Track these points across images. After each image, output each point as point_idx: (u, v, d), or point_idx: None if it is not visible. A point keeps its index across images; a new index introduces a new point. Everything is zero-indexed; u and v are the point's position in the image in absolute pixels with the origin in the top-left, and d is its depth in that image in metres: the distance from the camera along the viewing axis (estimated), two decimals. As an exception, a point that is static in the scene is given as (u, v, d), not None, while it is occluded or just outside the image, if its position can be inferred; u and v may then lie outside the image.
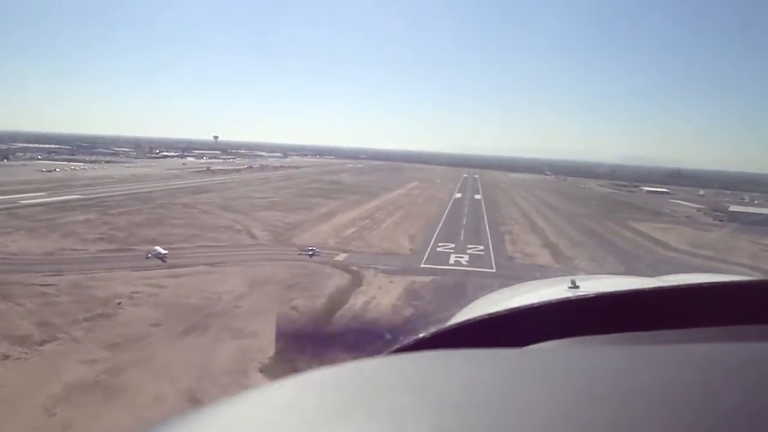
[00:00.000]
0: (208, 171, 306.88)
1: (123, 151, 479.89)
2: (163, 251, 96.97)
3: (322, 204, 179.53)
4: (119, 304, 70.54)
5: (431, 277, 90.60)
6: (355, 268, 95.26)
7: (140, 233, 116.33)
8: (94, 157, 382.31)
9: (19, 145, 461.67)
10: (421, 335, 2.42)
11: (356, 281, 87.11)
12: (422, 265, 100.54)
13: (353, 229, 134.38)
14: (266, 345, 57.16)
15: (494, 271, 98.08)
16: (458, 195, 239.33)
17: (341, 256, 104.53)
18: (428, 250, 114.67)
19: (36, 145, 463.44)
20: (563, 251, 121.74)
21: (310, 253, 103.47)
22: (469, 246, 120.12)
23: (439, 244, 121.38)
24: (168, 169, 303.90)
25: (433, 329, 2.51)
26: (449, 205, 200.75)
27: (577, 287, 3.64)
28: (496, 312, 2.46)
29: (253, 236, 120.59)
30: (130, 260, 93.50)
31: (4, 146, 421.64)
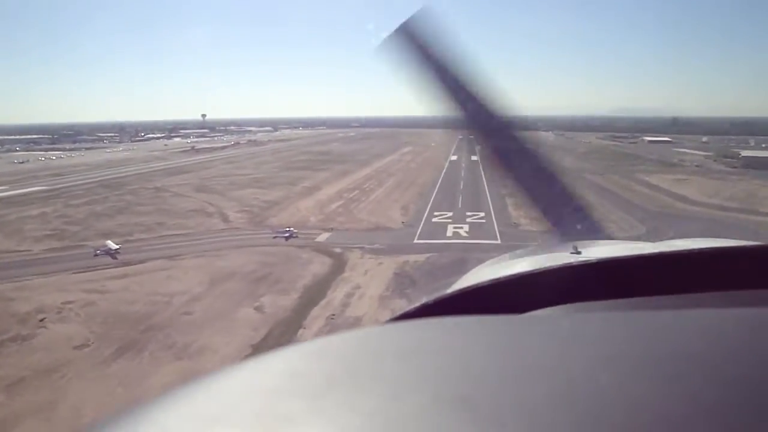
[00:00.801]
0: (192, 150, 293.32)
1: (107, 136, 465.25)
2: (115, 246, 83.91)
3: (307, 177, 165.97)
4: (42, 320, 57.40)
5: (426, 255, 77.45)
6: (338, 249, 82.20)
7: (98, 225, 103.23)
8: (75, 145, 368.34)
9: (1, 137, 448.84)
10: (421, 302, 2.37)
11: (338, 266, 74.05)
12: (416, 241, 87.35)
13: (339, 203, 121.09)
14: (215, 367, 44.19)
15: (499, 242, 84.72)
16: (454, 157, 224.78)
17: (323, 236, 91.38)
18: (422, 221, 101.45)
19: (17, 137, 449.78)
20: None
21: (287, 234, 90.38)
22: (469, 214, 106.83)
23: (435, 213, 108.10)
24: (150, 152, 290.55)
25: (434, 296, 2.41)
26: (444, 168, 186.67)
27: (579, 252, 3.60)
28: (497, 278, 2.44)
29: (225, 219, 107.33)
30: (76, 260, 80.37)
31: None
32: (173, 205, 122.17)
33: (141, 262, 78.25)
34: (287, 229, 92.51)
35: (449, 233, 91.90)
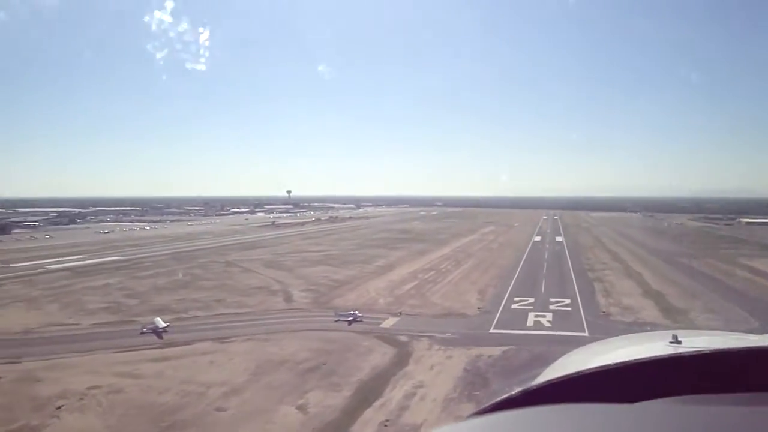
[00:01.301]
0: (272, 225, 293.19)
1: (194, 209, 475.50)
2: (163, 324, 77.87)
3: (382, 255, 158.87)
4: (59, 408, 50.78)
5: (503, 348, 67.61)
6: (403, 338, 73.43)
7: (156, 300, 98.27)
8: (161, 218, 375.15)
9: (94, 208, 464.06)
10: (514, 391, 2.29)
11: (402, 358, 65.15)
12: (492, 330, 77.64)
13: (411, 285, 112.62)
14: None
15: (586, 334, 73.96)
16: (537, 238, 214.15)
17: (390, 321, 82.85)
18: (501, 308, 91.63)
19: (111, 208, 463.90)
20: (672, 302, 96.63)
21: (350, 318, 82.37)
22: (552, 300, 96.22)
23: (515, 299, 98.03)
24: (230, 225, 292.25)
25: (530, 384, 2.35)
26: (527, 250, 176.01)
27: (679, 342, 3.45)
28: (605, 366, 2.35)
29: (288, 298, 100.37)
30: (121, 337, 74.63)
31: (75, 210, 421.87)
32: (238, 281, 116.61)
33: (187, 343, 71.50)
34: (351, 312, 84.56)
35: (530, 322, 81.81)
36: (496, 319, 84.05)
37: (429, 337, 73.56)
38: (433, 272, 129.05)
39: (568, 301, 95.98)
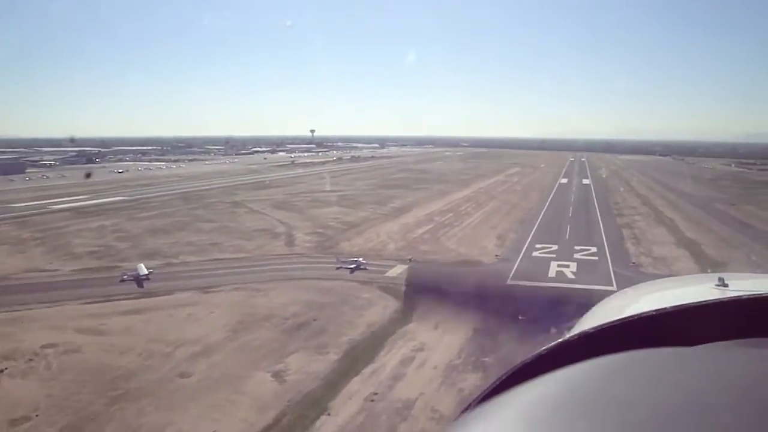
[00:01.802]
0: (291, 164, 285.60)
1: (215, 149, 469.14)
2: (146, 271, 71.04)
3: (400, 196, 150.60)
4: (1, 372, 43.88)
5: (519, 303, 59.89)
6: (409, 289, 65.95)
7: (148, 243, 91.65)
8: (181, 156, 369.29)
9: (117, 148, 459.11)
10: (558, 341, 2.23)
11: (404, 314, 57.76)
12: (509, 282, 69.55)
13: (427, 228, 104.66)
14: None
15: (615, 288, 65.50)
16: (564, 180, 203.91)
17: (396, 270, 75.15)
18: (520, 255, 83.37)
19: (132, 148, 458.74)
20: (708, 252, 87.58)
21: (353, 266, 74.84)
22: (577, 248, 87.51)
23: (537, 246, 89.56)
24: (248, 165, 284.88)
25: (573, 333, 2.30)
26: (552, 192, 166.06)
27: (726, 285, 3.34)
28: (663, 309, 2.28)
29: (291, 242, 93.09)
30: (98, 285, 67.81)
31: (95, 150, 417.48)
32: (241, 223, 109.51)
33: (168, 292, 64.58)
34: (354, 259, 76.97)
35: (551, 273, 73.51)
36: (514, 268, 75.87)
37: (437, 289, 65.70)
38: (451, 215, 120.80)
39: (594, 249, 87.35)
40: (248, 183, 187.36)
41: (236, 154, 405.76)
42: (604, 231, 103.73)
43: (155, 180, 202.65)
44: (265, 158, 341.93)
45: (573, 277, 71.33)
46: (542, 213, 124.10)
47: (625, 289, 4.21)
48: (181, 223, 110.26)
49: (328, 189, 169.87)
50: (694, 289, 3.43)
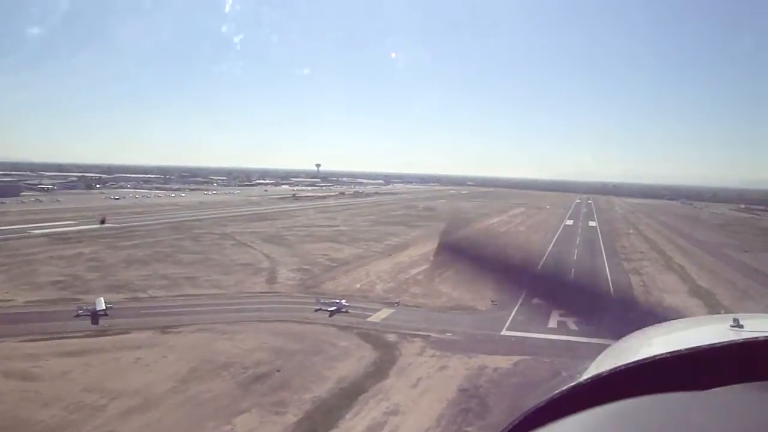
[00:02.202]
0: (291, 197, 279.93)
1: (218, 179, 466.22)
2: (103, 306, 64.50)
3: (397, 234, 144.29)
4: None
5: (515, 359, 52.89)
6: (392, 336, 59.07)
7: (120, 274, 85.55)
8: (183, 186, 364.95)
9: (119, 175, 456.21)
10: (571, 385, 2.22)
11: (381, 367, 50.77)
12: (504, 332, 62.57)
13: (421, 269, 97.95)
14: None
15: (624, 342, 58.59)
16: (569, 222, 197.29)
17: (381, 314, 68.45)
18: (519, 301, 76.54)
19: (135, 175, 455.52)
20: (724, 303, 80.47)
21: (333, 308, 68.16)
22: (582, 298, 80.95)
23: (533, 300, 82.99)
24: (248, 196, 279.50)
25: (587, 376, 2.29)
26: (557, 233, 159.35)
27: (741, 326, 3.25)
28: (675, 351, 2.23)
29: (272, 279, 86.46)
30: (51, 320, 61.73)
31: (97, 176, 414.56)
32: (225, 256, 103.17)
33: (123, 331, 58.09)
34: (335, 301, 70.20)
35: (552, 323, 66.51)
36: (511, 316, 69.00)
37: (424, 336, 59.15)
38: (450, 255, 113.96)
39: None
40: (242, 215, 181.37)
41: (239, 186, 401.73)
42: (610, 277, 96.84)
43: (149, 208, 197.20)
44: (265, 190, 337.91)
45: (576, 328, 64.20)
46: (545, 256, 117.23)
47: (638, 331, 3.94)
48: (161, 254, 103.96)
49: (324, 224, 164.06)
50: (709, 331, 3.33)
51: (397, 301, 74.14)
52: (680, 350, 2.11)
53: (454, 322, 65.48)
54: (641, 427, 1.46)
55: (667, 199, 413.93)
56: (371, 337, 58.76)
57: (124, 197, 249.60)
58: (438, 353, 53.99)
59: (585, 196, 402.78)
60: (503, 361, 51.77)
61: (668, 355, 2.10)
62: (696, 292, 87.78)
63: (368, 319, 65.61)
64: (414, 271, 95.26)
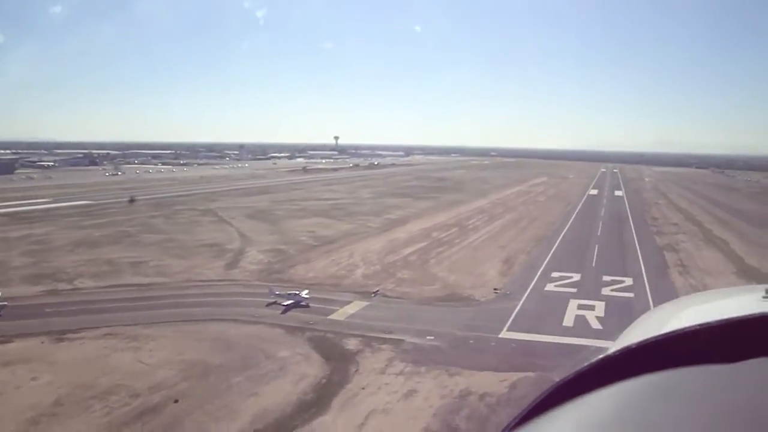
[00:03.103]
0: (301, 170, 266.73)
1: (232, 153, 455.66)
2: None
3: (401, 206, 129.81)
4: None
5: (512, 379, 38.36)
6: (353, 343, 45.00)
7: (58, 260, 73.78)
8: (194, 161, 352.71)
9: (132, 151, 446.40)
10: (600, 357, 2.17)
11: (325, 392, 36.72)
12: (503, 334, 47.87)
13: (417, 247, 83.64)
14: None
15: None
16: (593, 192, 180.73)
17: (349, 309, 54.32)
18: (529, 289, 61.85)
19: (146, 151, 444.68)
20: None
21: (290, 302, 54.16)
22: (606, 279, 65.79)
23: (553, 275, 67.99)
24: (254, 170, 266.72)
25: (615, 348, 2.25)
26: (579, 205, 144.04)
27: None
28: (702, 324, 2.20)
29: (234, 263, 72.77)
30: None
31: (104, 152, 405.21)
32: (193, 236, 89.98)
33: (5, 339, 44.60)
34: (293, 292, 56.09)
35: (569, 319, 51.81)
36: (517, 309, 54.47)
37: (396, 342, 44.93)
38: (455, 230, 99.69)
39: (628, 281, 65.48)
40: (239, 189, 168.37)
41: (250, 159, 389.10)
42: (641, 255, 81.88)
43: (144, 183, 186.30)
44: (274, 163, 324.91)
45: (599, 327, 49.52)
46: (565, 230, 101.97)
47: (666, 303, 3.68)
48: (123, 234, 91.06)
49: (324, 196, 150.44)
50: (740, 302, 3.10)
51: (376, 290, 59.92)
52: (710, 322, 2.07)
53: (441, 318, 51.24)
54: (672, 400, 1.48)
55: (696, 167, 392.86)
56: (326, 342, 44.68)
57: (124, 173, 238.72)
58: (408, 369, 39.75)
59: (611, 165, 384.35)
60: (495, 383, 37.39)
61: (698, 327, 2.08)
62: (747, 272, 72.47)
63: (331, 317, 51.49)
64: (408, 250, 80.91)
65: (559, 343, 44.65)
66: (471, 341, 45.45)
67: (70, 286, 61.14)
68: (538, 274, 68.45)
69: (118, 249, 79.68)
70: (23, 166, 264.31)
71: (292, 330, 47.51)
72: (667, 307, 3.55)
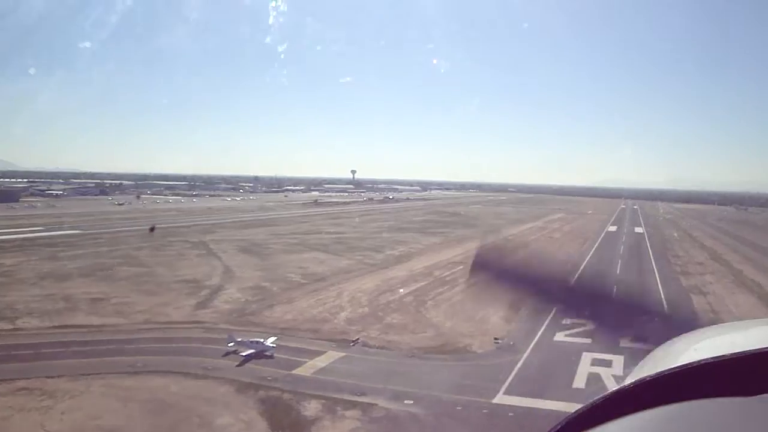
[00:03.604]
0: (312, 203, 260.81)
1: (247, 185, 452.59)
2: None
3: (406, 242, 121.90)
4: None
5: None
6: (312, 407, 37.25)
7: (16, 293, 66.92)
8: (206, 192, 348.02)
9: (147, 182, 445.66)
10: (615, 389, 2.21)
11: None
12: (499, 398, 39.41)
13: (416, 287, 75.88)
14: None
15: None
16: (612, 228, 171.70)
17: (321, 360, 46.38)
18: (535, 339, 53.52)
19: (161, 182, 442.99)
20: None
21: (251, 351, 46.37)
22: (627, 329, 57.33)
23: (564, 322, 59.56)
24: (264, 202, 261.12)
25: (631, 380, 2.25)
26: (597, 242, 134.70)
27: None
28: (716, 357, 2.21)
29: (207, 302, 65.38)
30: None
31: (118, 182, 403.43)
32: (173, 270, 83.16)
33: None
34: (256, 340, 48.16)
35: (580, 378, 43.34)
36: (519, 365, 46.26)
37: (365, 408, 36.90)
38: (460, 268, 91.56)
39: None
40: (242, 221, 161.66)
41: (265, 192, 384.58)
42: (665, 298, 73.32)
43: (145, 214, 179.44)
44: (286, 196, 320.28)
45: (616, 388, 40.84)
46: (580, 270, 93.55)
47: (681, 336, 3.62)
48: (98, 266, 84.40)
49: (328, 230, 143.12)
50: (754, 335, 3.16)
51: (357, 338, 51.91)
52: (725, 355, 2.06)
53: (427, 375, 43.16)
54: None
55: (717, 204, 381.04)
56: (279, 406, 36.81)
57: (130, 203, 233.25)
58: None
59: (630, 201, 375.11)
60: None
61: (713, 360, 2.06)
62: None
63: (295, 371, 43.54)
64: (404, 291, 73.04)
65: (567, 412, 36.24)
66: (458, 408, 37.31)
67: (10, 326, 53.88)
68: (547, 321, 60.07)
69: (85, 283, 72.62)
70: (32, 194, 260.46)
71: (244, 388, 39.57)
72: (683, 340, 3.40)
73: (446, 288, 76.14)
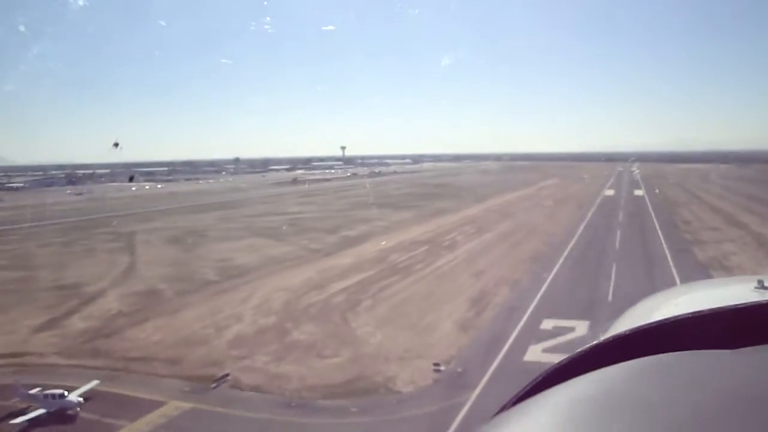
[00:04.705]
0: (290, 182, 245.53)
1: (230, 168, 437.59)
2: None
3: (371, 219, 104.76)
4: None
5: None
6: None
7: None
8: (180, 177, 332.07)
9: (124, 170, 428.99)
10: (592, 344, 2.21)
11: None
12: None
13: (357, 279, 59.29)
14: None
15: None
16: (610, 192, 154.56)
17: (154, 418, 29.53)
18: (498, 358, 36.66)
19: (139, 169, 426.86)
20: None
21: (42, 411, 29.87)
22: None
23: (543, 327, 42.42)
24: (238, 184, 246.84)
25: (608, 335, 2.31)
26: (592, 209, 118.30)
27: (766, 288, 3.10)
28: (694, 312, 2.25)
29: (62, 317, 48.75)
30: None
31: (90, 171, 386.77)
32: (58, 273, 67.37)
33: None
34: (56, 393, 31.19)
35: None
36: (462, 414, 29.28)
37: None
38: (423, 249, 75.37)
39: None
40: (195, 205, 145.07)
41: (246, 173, 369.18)
42: (679, 280, 56.05)
43: (107, 202, 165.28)
44: (263, 176, 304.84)
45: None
46: (570, 245, 76.46)
47: (658, 293, 3.64)
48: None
49: (288, 210, 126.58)
50: (732, 292, 3.10)
51: (226, 373, 34.92)
52: (702, 311, 2.11)
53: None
54: (664, 382, 1.48)
55: (720, 163, 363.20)
56: None
57: (91, 192, 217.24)
58: None
59: (628, 164, 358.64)
60: None
61: (690, 315, 2.11)
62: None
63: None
64: (340, 285, 56.50)
65: None
66: None
67: None
68: (521, 324, 43.25)
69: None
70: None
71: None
72: (660, 296, 3.46)
73: (396, 279, 59.44)
